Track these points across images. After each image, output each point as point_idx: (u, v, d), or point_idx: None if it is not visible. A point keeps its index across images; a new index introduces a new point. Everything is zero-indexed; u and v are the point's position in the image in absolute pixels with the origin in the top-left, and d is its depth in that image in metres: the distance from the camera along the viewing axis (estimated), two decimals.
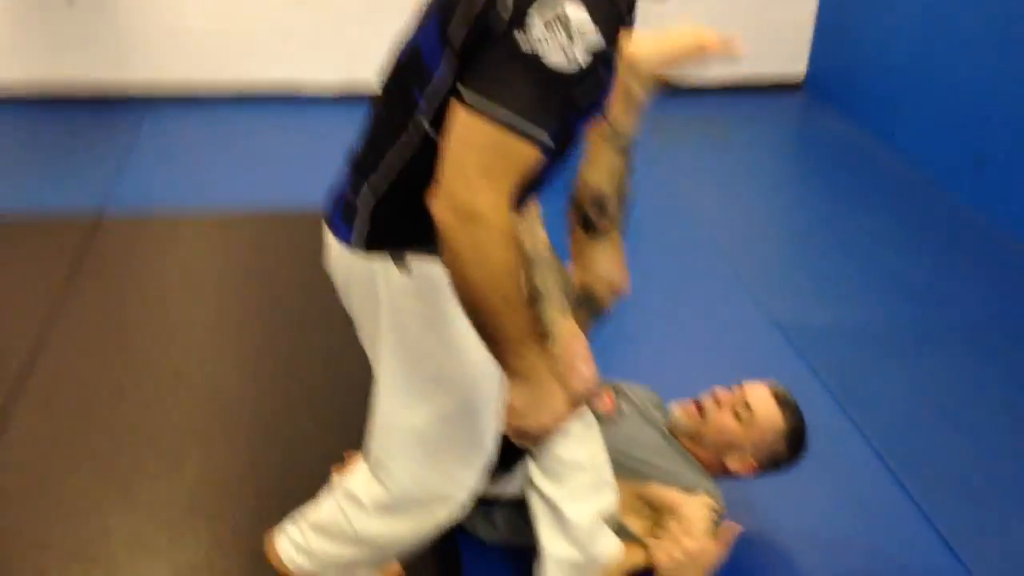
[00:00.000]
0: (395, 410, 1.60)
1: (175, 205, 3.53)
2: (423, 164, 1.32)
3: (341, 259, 1.52)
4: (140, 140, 4.10)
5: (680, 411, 2.04)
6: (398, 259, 1.46)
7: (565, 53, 1.21)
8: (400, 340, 1.53)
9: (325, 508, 1.76)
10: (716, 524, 1.89)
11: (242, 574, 1.90)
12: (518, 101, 1.21)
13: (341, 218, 1.50)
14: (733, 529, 1.81)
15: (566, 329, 1.68)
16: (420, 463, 1.64)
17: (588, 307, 1.97)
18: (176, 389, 2.47)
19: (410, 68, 1.39)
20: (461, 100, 1.23)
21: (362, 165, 1.47)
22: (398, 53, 1.44)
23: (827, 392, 2.60)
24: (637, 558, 1.89)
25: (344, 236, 1.49)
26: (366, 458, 1.70)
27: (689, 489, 1.93)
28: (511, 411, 1.43)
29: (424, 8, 1.41)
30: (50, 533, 2.00)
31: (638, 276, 3.27)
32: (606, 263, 1.92)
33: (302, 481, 2.08)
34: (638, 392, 2.16)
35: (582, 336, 1.72)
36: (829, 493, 2.24)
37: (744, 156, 4.32)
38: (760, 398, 1.97)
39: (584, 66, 1.23)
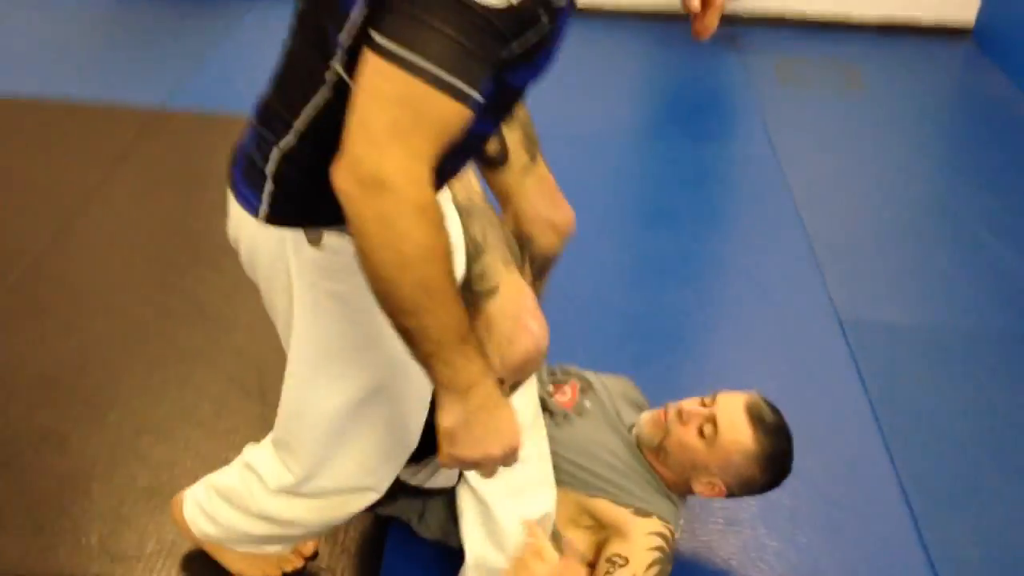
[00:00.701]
0: (306, 394, 1.42)
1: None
2: (340, 121, 1.09)
3: (245, 228, 1.31)
4: (234, 34, 4.03)
5: (647, 419, 1.78)
6: (310, 232, 1.25)
7: None
8: (313, 319, 1.33)
9: (231, 476, 1.62)
10: (665, 553, 1.65)
11: (147, 528, 1.82)
12: (440, 47, 0.98)
13: (245, 182, 1.28)
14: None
15: (511, 282, 1.48)
16: (332, 452, 1.47)
17: (532, 258, 1.75)
18: (171, 299, 2.40)
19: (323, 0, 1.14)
20: (371, 44, 1.00)
21: (271, 119, 1.24)
22: None
23: (867, 402, 2.25)
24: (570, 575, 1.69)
25: (249, 203, 1.28)
26: (273, 436, 1.55)
27: (641, 511, 1.69)
28: (443, 435, 1.19)
29: None
30: None
31: (702, 235, 3.05)
32: (540, 202, 1.71)
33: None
34: (613, 388, 1.90)
35: (529, 290, 1.51)
36: (833, 528, 1.93)
37: (874, 110, 3.81)
38: (729, 415, 1.68)
39: (516, 2, 1.00)
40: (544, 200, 1.72)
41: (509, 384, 1.51)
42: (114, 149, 3.06)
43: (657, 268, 2.73)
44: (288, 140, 1.20)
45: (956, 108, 4.03)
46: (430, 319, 1.07)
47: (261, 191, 1.25)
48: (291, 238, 1.26)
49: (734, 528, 1.90)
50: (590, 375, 1.91)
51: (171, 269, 2.52)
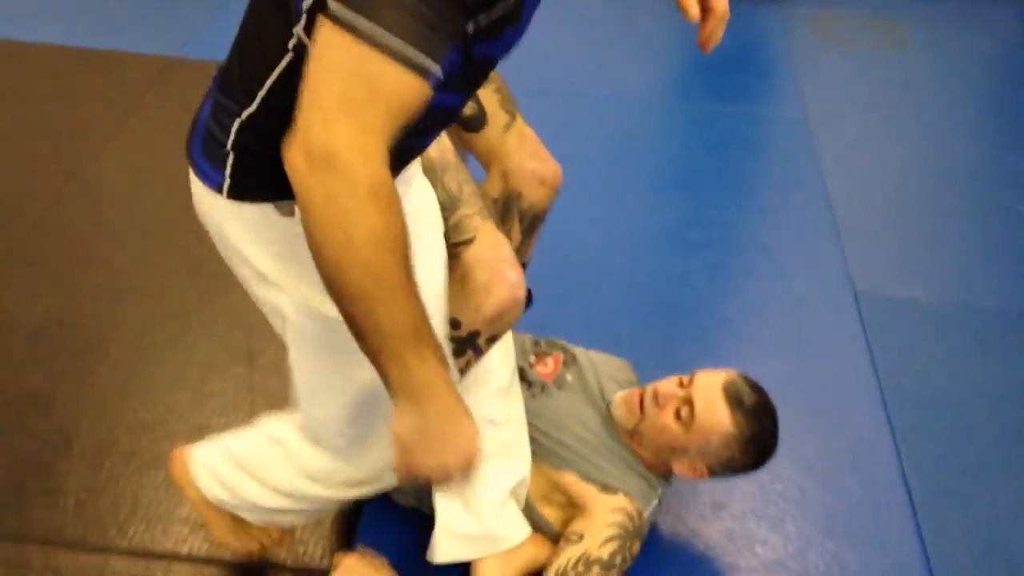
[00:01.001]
0: (321, 380, 1.35)
1: None
2: (297, 81, 1.03)
3: (209, 205, 1.25)
4: None
5: (621, 400, 1.72)
6: (281, 204, 1.18)
7: None
8: (308, 289, 1.24)
9: (256, 447, 1.53)
10: (627, 531, 1.60)
11: (124, 492, 1.81)
12: (397, 16, 0.92)
13: (205, 156, 1.21)
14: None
15: (488, 232, 1.47)
16: (364, 434, 1.39)
17: (520, 215, 1.75)
18: (168, 256, 2.37)
19: None
20: (326, 11, 0.94)
21: (233, 89, 1.17)
22: None
23: (876, 383, 2.16)
24: (541, 552, 1.65)
25: (211, 179, 1.21)
26: (301, 424, 1.46)
27: (608, 488, 1.65)
28: (397, 444, 1.11)
29: None
30: None
31: (719, 201, 2.93)
32: (524, 157, 1.70)
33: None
34: (602, 366, 1.84)
35: (506, 240, 1.50)
36: (825, 517, 1.86)
37: (916, 72, 3.64)
38: (706, 396, 1.62)
39: None
40: (528, 155, 1.71)
41: (486, 337, 1.48)
42: (128, 98, 3.03)
43: (667, 235, 2.64)
44: (251, 110, 1.14)
45: (1005, 72, 3.82)
46: (379, 309, 1.00)
47: (224, 165, 1.19)
48: (260, 212, 1.20)
49: (720, 513, 1.84)
50: (579, 350, 1.85)
51: (172, 224, 2.48)
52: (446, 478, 1.16)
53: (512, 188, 1.74)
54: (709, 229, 2.69)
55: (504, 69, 3.35)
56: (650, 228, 2.68)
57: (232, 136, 1.16)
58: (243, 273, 1.33)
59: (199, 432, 1.91)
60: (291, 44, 1.07)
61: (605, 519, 1.60)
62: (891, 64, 3.67)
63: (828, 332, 2.33)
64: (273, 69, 1.10)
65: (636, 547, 1.61)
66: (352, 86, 0.94)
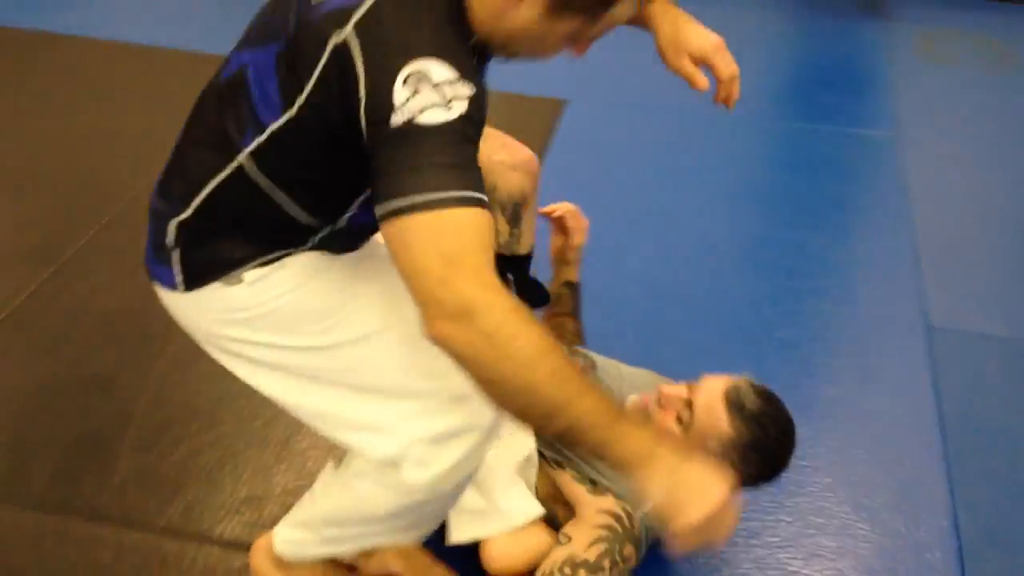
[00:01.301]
0: (340, 400, 1.34)
1: None
2: (236, 200, 1.24)
3: (174, 305, 1.36)
4: None
5: (631, 403, 1.71)
6: (229, 278, 1.29)
7: (440, 108, 1.05)
8: (278, 352, 1.34)
9: (343, 494, 1.44)
10: (615, 532, 1.58)
11: (168, 473, 1.88)
12: (438, 176, 1.05)
13: (158, 261, 1.33)
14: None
15: None
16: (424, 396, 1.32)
17: (501, 205, 1.82)
18: None
19: (237, 98, 1.21)
20: (385, 216, 1.06)
21: (169, 197, 1.30)
22: (225, 67, 1.27)
23: (938, 421, 2.06)
24: (544, 540, 1.62)
25: (168, 280, 1.32)
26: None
27: (598, 489, 1.64)
28: (668, 515, 1.10)
29: (260, 19, 1.28)
30: None
31: (795, 223, 2.83)
32: (489, 151, 1.74)
33: None
34: (631, 378, 1.82)
35: None
36: (863, 555, 1.78)
37: (1021, 92, 3.47)
38: (706, 399, 1.58)
39: (464, 111, 1.07)
40: (495, 148, 1.80)
41: None
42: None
43: (736, 253, 2.60)
44: (186, 214, 1.27)
45: None
46: (577, 407, 1.07)
47: (172, 264, 1.31)
48: (214, 292, 1.29)
49: (752, 541, 1.79)
50: (607, 361, 1.85)
51: None
52: (721, 526, 1.13)
53: (487, 184, 1.79)
54: (781, 250, 2.63)
55: (591, 79, 3.34)
56: (718, 246, 2.64)
57: (172, 236, 1.29)
58: (211, 348, 1.41)
59: (245, 421, 1.99)
60: (232, 166, 1.21)
61: (592, 520, 1.59)
62: (995, 85, 3.51)
63: (894, 364, 2.25)
64: (208, 182, 1.24)
65: (628, 550, 1.58)
66: (443, 245, 1.04)
